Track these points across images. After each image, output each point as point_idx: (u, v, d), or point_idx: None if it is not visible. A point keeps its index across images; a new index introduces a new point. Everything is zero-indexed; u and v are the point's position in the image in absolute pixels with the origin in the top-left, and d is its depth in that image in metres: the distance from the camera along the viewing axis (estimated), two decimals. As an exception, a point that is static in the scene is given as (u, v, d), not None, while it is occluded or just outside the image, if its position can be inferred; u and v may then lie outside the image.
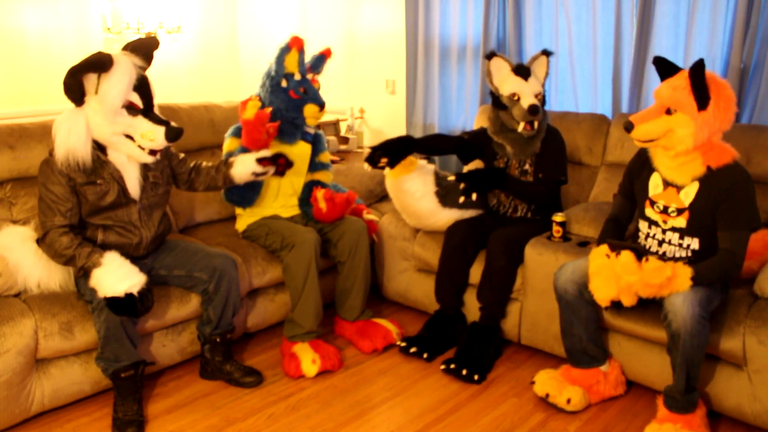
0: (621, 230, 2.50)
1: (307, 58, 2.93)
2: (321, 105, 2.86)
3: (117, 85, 2.22)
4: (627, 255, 2.17)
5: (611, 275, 2.22)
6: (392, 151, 2.75)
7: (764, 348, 2.16)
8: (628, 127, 2.26)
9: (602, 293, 2.26)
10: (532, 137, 2.87)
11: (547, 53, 2.90)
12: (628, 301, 2.25)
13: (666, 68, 2.28)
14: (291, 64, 2.83)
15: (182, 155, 2.70)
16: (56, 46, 4.53)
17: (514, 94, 2.83)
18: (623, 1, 3.28)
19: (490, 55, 2.89)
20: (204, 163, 2.72)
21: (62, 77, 2.19)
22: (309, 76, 2.90)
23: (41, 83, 4.47)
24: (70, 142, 2.22)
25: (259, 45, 5.35)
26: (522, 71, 2.86)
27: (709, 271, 2.17)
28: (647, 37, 3.23)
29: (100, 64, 2.21)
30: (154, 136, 2.31)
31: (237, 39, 5.51)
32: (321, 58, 2.97)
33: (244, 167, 2.67)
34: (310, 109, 2.85)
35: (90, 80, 2.23)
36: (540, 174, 2.89)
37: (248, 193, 2.88)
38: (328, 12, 4.83)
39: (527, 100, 2.80)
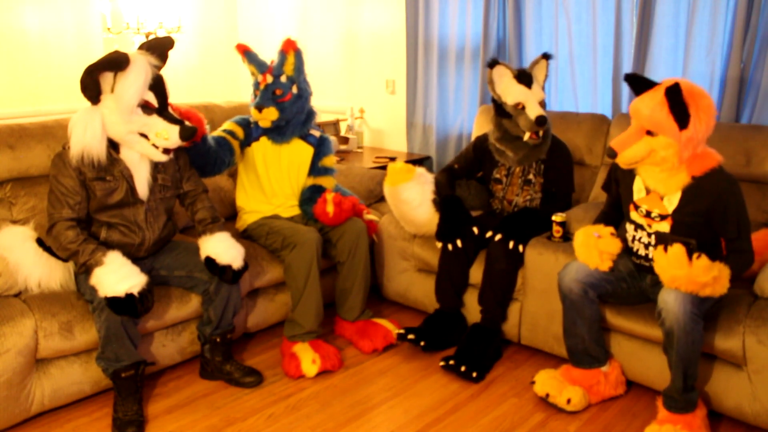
0: (613, 223, 2.51)
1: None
2: (257, 108, 2.85)
3: (133, 84, 2.24)
4: (678, 248, 2.11)
5: (588, 243, 2.32)
6: (453, 224, 2.84)
7: (764, 348, 2.16)
8: (612, 155, 2.23)
9: (592, 260, 2.33)
10: (537, 145, 2.88)
11: (547, 57, 2.90)
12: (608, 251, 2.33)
13: (640, 84, 2.22)
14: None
15: (198, 179, 2.63)
16: (56, 46, 4.52)
17: (518, 104, 2.83)
18: (623, 1, 3.28)
19: (492, 64, 2.88)
20: (203, 206, 2.61)
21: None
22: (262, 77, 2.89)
23: (41, 83, 4.45)
24: (86, 139, 2.25)
25: (259, 45, 5.33)
26: (524, 78, 2.85)
27: (736, 271, 2.16)
28: (647, 37, 3.23)
29: (116, 63, 2.24)
30: (169, 135, 2.33)
31: (237, 39, 5.51)
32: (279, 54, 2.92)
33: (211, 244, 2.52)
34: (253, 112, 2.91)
35: (106, 79, 2.26)
36: (553, 189, 2.94)
37: (199, 164, 2.75)
38: (328, 12, 4.83)
39: (534, 110, 2.80)
